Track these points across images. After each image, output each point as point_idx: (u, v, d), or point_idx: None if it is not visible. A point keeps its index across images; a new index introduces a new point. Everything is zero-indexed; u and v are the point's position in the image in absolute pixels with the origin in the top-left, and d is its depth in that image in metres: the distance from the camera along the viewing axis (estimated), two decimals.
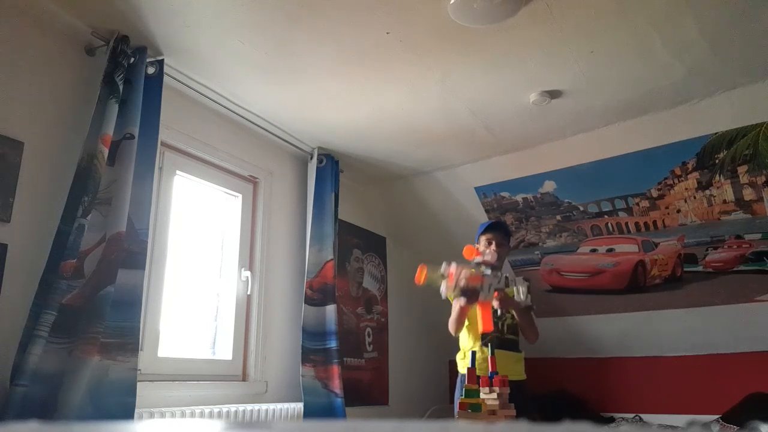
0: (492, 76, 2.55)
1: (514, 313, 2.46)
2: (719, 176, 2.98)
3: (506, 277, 2.12)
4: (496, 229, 2.61)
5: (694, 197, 3.10)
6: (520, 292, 2.12)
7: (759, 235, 3.07)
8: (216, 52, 2.38)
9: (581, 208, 3.43)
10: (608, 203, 3.35)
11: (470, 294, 1.90)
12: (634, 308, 3.62)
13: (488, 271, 1.96)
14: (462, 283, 1.81)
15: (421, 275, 1.78)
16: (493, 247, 2.56)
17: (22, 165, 1.96)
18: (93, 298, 1.98)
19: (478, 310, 1.97)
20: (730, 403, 3.27)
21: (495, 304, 2.12)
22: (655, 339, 3.70)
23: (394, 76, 2.55)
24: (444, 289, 1.83)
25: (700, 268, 3.32)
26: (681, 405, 3.58)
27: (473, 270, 1.90)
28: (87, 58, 2.24)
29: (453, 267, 1.84)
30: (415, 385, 4.01)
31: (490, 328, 1.94)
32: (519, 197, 3.54)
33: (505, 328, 2.48)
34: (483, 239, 2.61)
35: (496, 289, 2.00)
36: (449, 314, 2.43)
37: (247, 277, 2.90)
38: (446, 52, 2.36)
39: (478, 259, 1.96)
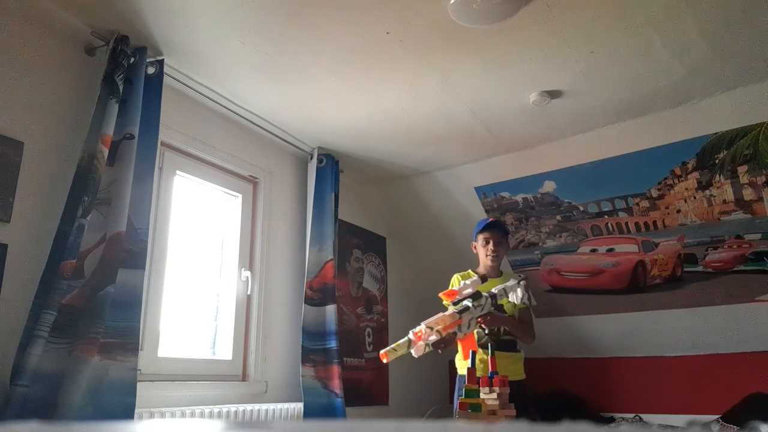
0: (492, 76, 2.55)
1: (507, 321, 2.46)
2: (719, 176, 2.98)
3: (504, 289, 2.12)
4: (494, 228, 2.62)
5: (694, 197, 3.10)
6: (516, 297, 2.11)
7: (759, 235, 3.07)
8: (216, 52, 2.38)
9: (581, 208, 3.43)
10: (608, 203, 3.35)
11: (446, 342, 1.86)
12: (634, 308, 3.62)
13: (468, 303, 1.92)
14: (432, 339, 1.74)
15: (385, 358, 1.72)
16: (491, 246, 2.58)
17: (22, 165, 1.96)
18: (93, 298, 1.97)
19: (459, 345, 1.95)
20: (730, 403, 3.27)
21: (483, 325, 2.14)
22: (655, 339, 3.70)
23: (394, 76, 2.55)
24: (414, 351, 1.77)
25: (700, 268, 3.32)
26: (681, 405, 3.58)
27: (450, 314, 1.85)
28: (87, 58, 2.24)
29: (421, 327, 1.77)
30: (415, 385, 4.01)
31: (475, 351, 1.90)
32: (519, 197, 3.54)
33: (502, 329, 2.48)
34: (481, 238, 2.62)
35: (480, 316, 1.99)
36: None
37: (247, 277, 2.90)
38: (446, 52, 2.36)
39: (458, 297, 1.94)
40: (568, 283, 3.72)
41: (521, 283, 2.15)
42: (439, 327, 1.76)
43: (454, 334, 1.87)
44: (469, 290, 1.96)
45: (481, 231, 2.62)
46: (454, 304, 1.93)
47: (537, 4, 2.05)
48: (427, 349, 1.78)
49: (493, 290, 2.10)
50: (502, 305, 2.40)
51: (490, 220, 2.75)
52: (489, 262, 2.60)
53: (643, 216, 3.30)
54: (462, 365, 2.47)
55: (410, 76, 2.55)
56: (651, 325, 3.63)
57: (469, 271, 2.65)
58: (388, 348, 1.73)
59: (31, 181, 1.99)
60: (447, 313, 1.86)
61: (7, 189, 1.91)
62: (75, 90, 2.20)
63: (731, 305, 3.32)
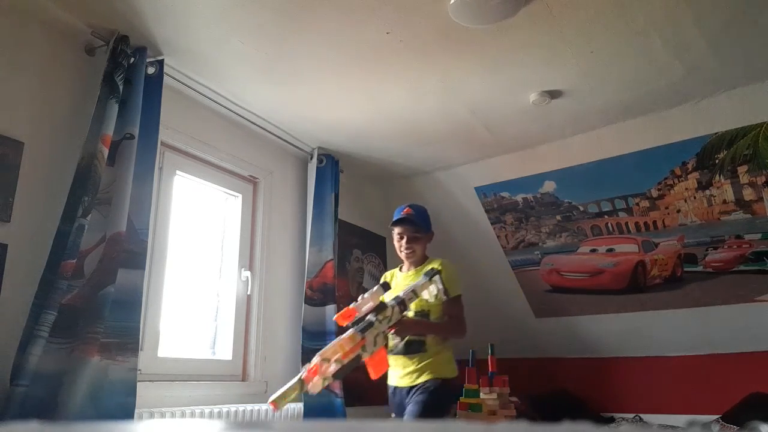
0: (492, 76, 2.55)
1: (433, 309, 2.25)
2: (719, 176, 2.97)
3: (414, 291, 1.92)
4: (405, 223, 2.39)
5: (694, 197, 3.10)
6: (429, 294, 1.96)
7: (759, 235, 3.07)
8: (216, 52, 2.38)
9: (581, 208, 3.43)
10: (608, 203, 3.34)
11: (347, 370, 1.61)
12: (634, 308, 3.62)
13: (372, 318, 1.70)
14: (332, 370, 1.53)
15: (274, 406, 1.50)
16: (404, 242, 2.39)
17: (22, 165, 1.96)
18: (93, 298, 1.97)
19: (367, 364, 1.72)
20: (730, 403, 3.27)
21: (392, 340, 1.99)
22: (655, 339, 3.70)
23: (394, 76, 2.54)
24: (310, 388, 1.51)
25: (700, 268, 3.32)
26: (681, 405, 3.58)
27: (349, 335, 1.62)
28: (87, 58, 2.24)
29: (315, 360, 1.53)
30: None
31: (382, 372, 1.70)
32: (519, 197, 3.54)
33: None
34: (394, 232, 2.43)
35: (390, 326, 1.78)
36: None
37: (247, 277, 2.90)
38: (446, 52, 2.36)
39: (358, 316, 1.71)
40: (568, 283, 3.72)
41: (435, 278, 1.93)
42: (338, 355, 1.55)
43: (358, 356, 1.64)
44: (370, 304, 1.70)
45: (393, 225, 2.41)
46: (355, 323, 1.69)
47: (537, 4, 2.05)
48: (326, 383, 1.56)
49: (400, 294, 1.86)
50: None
51: (404, 212, 2.40)
52: (404, 258, 2.44)
53: (643, 216, 3.30)
54: (388, 376, 2.31)
55: (410, 76, 2.55)
56: (651, 325, 3.63)
57: (398, 268, 2.54)
58: (276, 395, 1.49)
59: (31, 181, 1.99)
60: (346, 335, 1.63)
61: (7, 189, 1.91)
62: (75, 90, 2.20)
63: (731, 305, 3.32)
